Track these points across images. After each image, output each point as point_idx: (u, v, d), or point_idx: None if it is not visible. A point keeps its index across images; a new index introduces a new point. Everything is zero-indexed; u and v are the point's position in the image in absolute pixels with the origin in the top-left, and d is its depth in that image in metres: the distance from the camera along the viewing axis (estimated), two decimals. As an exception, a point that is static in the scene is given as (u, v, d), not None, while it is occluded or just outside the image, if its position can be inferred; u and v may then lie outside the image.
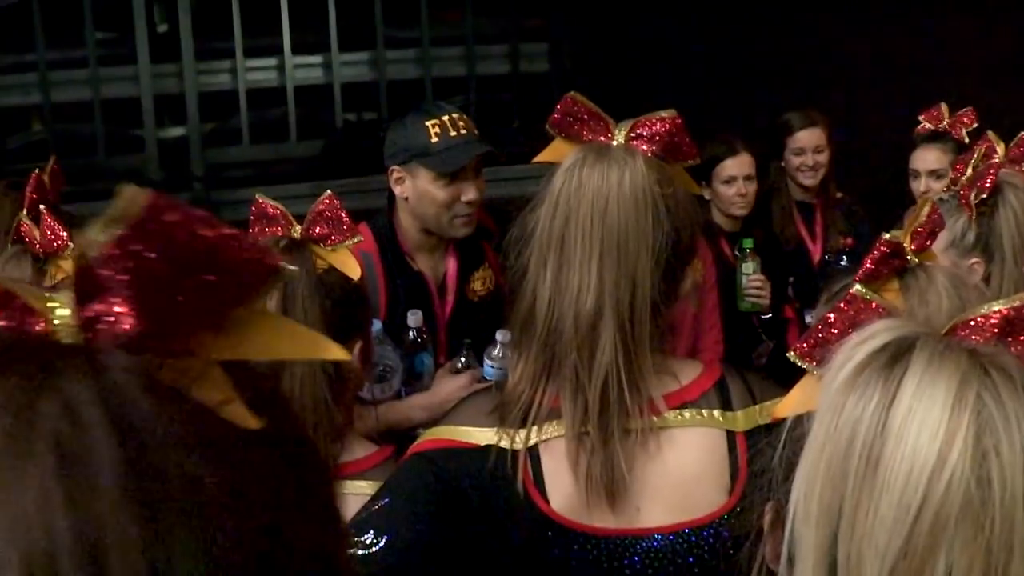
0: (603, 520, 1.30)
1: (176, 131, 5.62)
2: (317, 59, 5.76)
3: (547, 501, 1.30)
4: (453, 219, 2.42)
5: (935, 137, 3.27)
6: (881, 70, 4.46)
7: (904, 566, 0.70)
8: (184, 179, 5.33)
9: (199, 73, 5.48)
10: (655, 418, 1.30)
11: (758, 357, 3.49)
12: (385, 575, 1.27)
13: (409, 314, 2.34)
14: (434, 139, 2.41)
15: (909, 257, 1.23)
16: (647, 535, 1.30)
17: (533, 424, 1.31)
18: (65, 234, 1.85)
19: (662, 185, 1.30)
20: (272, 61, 5.68)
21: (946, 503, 0.70)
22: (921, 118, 3.34)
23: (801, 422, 0.85)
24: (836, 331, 0.88)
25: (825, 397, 0.76)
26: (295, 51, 5.66)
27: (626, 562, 1.29)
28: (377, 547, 1.29)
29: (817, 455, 0.75)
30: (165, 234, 0.47)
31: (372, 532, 1.29)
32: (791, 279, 3.60)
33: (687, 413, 1.32)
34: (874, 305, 0.91)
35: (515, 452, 1.31)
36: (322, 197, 1.66)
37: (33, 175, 2.19)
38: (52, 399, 0.43)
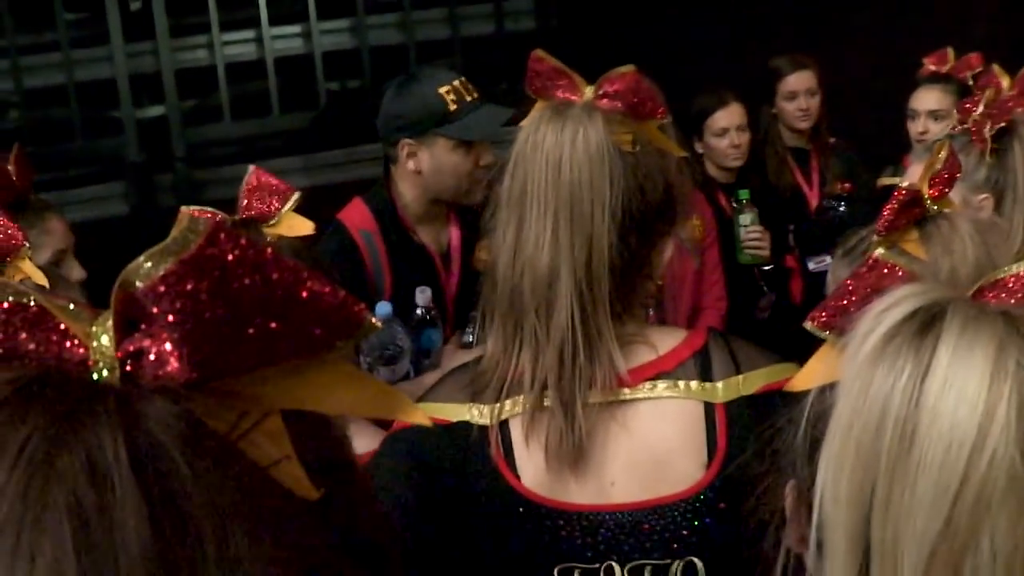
0: (575, 495, 1.27)
1: (155, 111, 5.52)
2: (296, 29, 5.66)
3: (518, 477, 1.27)
4: (472, 185, 2.36)
5: (938, 78, 3.25)
6: (876, 15, 4.38)
7: (944, 549, 0.66)
8: (166, 159, 5.24)
9: (175, 50, 5.37)
10: (625, 390, 1.26)
11: (760, 311, 3.43)
12: None
13: (418, 292, 2.27)
14: (452, 106, 2.34)
15: (928, 204, 1.17)
16: (621, 510, 1.26)
17: (505, 397, 1.28)
18: (20, 234, 1.78)
19: (624, 143, 1.26)
20: (250, 34, 5.57)
21: (988, 481, 0.65)
22: (925, 60, 3.32)
23: (824, 397, 0.79)
24: (856, 298, 0.82)
25: (850, 370, 0.71)
26: (272, 22, 5.56)
27: (600, 538, 1.25)
28: None
29: (845, 433, 0.70)
30: (224, 273, 0.40)
31: None
32: (791, 227, 3.55)
33: (661, 385, 1.27)
34: (896, 269, 0.85)
35: (486, 427, 1.28)
36: (247, 176, 1.63)
37: None
38: (74, 453, 0.37)
